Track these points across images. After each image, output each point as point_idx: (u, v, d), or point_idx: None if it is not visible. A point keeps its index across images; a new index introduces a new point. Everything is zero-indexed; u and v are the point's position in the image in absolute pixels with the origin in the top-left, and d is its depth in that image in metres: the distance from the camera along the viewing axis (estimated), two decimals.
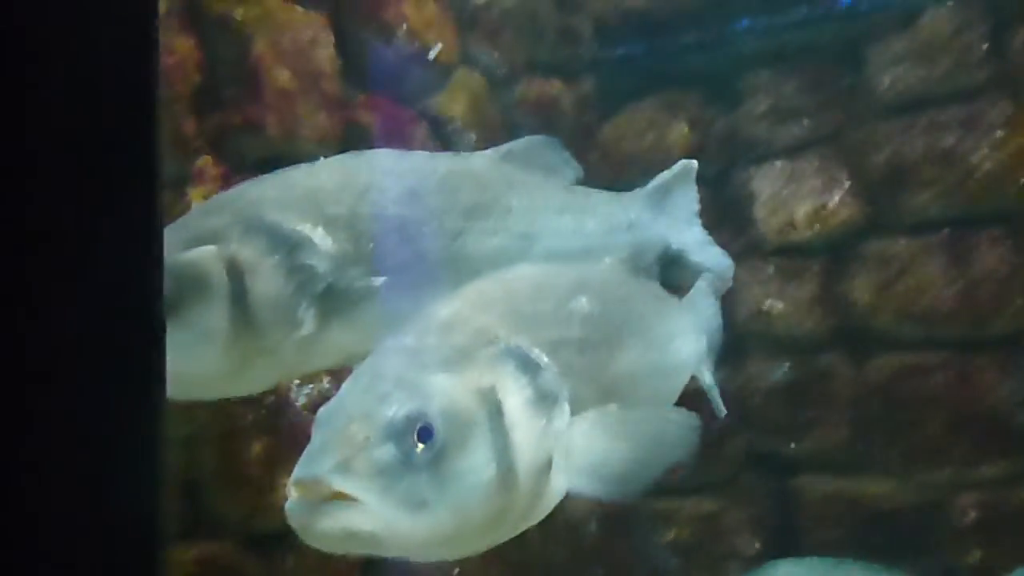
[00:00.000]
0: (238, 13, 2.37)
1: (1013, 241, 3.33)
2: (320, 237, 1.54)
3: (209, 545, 2.16)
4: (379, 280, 1.54)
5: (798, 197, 3.66)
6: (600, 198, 1.96)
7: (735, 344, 3.77)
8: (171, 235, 1.48)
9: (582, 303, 1.55)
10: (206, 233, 1.54)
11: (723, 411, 1.96)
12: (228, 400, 1.86)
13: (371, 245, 1.57)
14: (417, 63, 2.78)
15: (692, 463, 1.52)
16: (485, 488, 1.27)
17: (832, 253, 3.61)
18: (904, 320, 3.44)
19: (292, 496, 1.22)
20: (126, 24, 0.77)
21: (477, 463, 1.27)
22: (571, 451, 1.37)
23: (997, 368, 3.32)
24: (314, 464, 1.21)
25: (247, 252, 1.52)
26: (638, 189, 2.07)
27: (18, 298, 0.73)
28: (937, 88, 3.40)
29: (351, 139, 2.51)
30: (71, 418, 0.74)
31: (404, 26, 2.73)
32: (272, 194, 1.62)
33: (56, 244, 0.74)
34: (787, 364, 3.63)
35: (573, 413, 1.40)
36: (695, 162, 2.11)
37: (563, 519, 3.10)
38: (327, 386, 2.20)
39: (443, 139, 2.83)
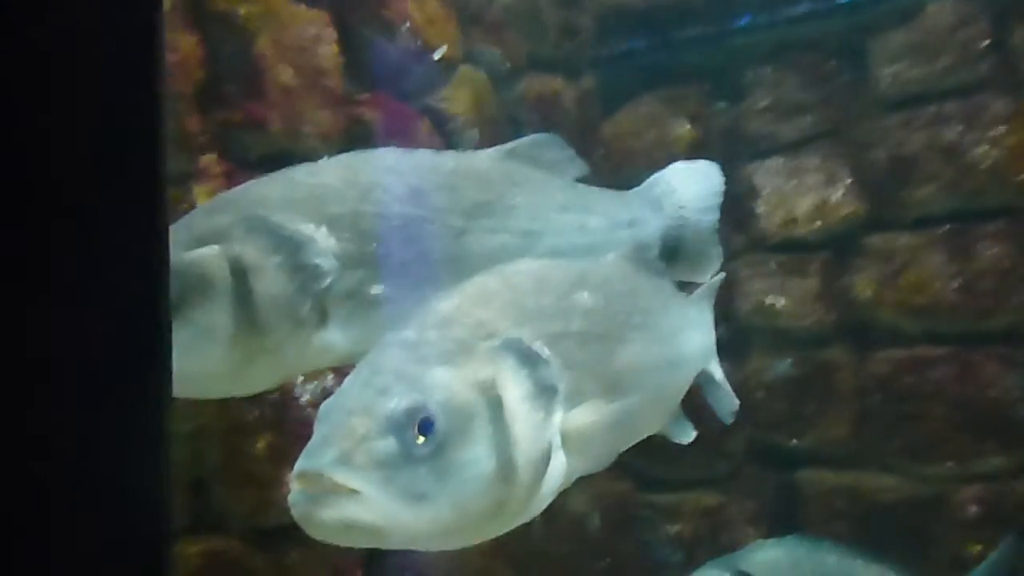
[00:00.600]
0: (241, 10, 2.38)
1: (1014, 235, 3.34)
2: (323, 236, 1.55)
3: (215, 540, 2.18)
4: (380, 288, 1.54)
5: (800, 192, 3.66)
6: (603, 196, 1.96)
7: (737, 339, 3.79)
8: (175, 234, 1.49)
9: (584, 296, 1.56)
10: (209, 233, 1.56)
11: (735, 405, 1.97)
12: (232, 397, 1.88)
13: (374, 244, 1.58)
14: (420, 60, 2.79)
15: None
16: (485, 480, 1.29)
17: (834, 248, 3.62)
18: (906, 314, 3.45)
19: (294, 489, 1.24)
20: (131, 21, 0.78)
21: (477, 455, 1.28)
22: (568, 443, 1.40)
23: (999, 362, 3.32)
24: (315, 457, 1.23)
25: (251, 251, 1.53)
26: (641, 186, 2.07)
27: (25, 297, 0.74)
28: (938, 83, 3.41)
29: (354, 136, 2.52)
30: (78, 416, 0.76)
31: (407, 23, 2.74)
32: (275, 193, 1.63)
33: (62, 243, 0.75)
34: (789, 359, 3.64)
35: (575, 406, 1.41)
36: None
37: (565, 512, 3.11)
38: (331, 383, 2.22)
39: (446, 136, 2.84)
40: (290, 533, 1.67)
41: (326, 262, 1.55)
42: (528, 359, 1.38)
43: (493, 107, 3.10)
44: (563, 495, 3.24)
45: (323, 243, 1.56)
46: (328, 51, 2.52)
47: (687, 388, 1.91)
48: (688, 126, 3.77)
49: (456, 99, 2.90)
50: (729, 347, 3.86)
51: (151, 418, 0.80)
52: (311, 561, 2.22)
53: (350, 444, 1.23)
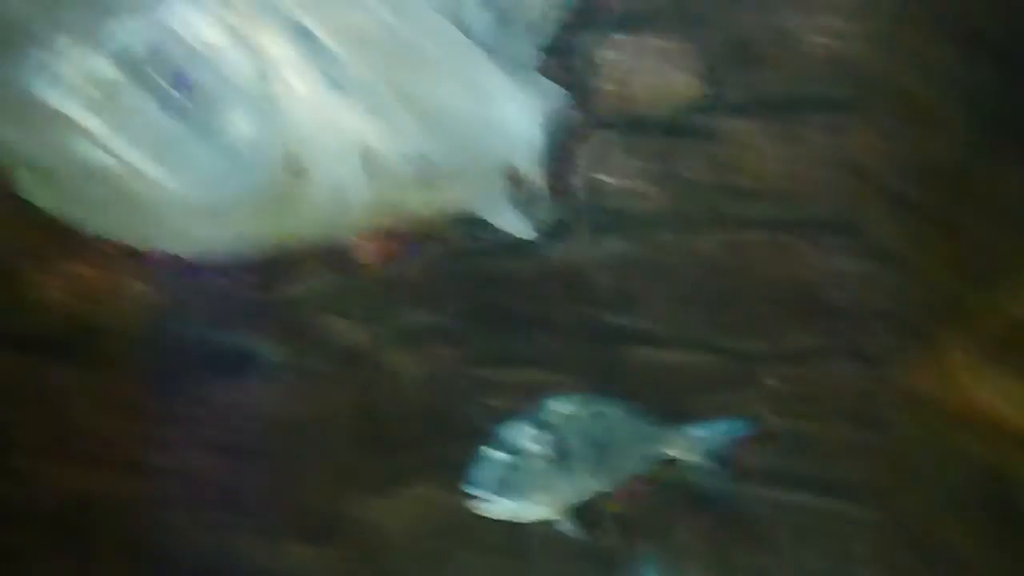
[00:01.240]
0: None
1: (841, 126, 3.42)
2: None
3: None
4: None
5: (640, 71, 3.63)
6: None
7: (569, 216, 3.79)
8: None
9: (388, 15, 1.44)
10: None
11: (543, 218, 1.96)
12: None
13: None
14: None
15: None
16: (250, 153, 1.18)
17: (670, 129, 3.63)
18: (734, 198, 3.52)
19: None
20: None
21: (244, 121, 1.18)
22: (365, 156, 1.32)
23: (812, 247, 3.45)
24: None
25: None
26: None
27: None
28: None
29: None
30: None
31: None
32: None
33: None
34: (619, 238, 3.67)
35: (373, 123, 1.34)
36: None
37: (389, 372, 3.10)
38: None
39: None
40: None
41: None
42: (317, 48, 1.27)
43: None
44: (388, 352, 3.19)
45: None
46: None
47: (504, 172, 1.86)
48: None
49: None
50: (561, 224, 3.89)
51: None
52: None
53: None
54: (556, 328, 3.77)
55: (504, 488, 2.18)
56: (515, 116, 1.90)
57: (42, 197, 1.22)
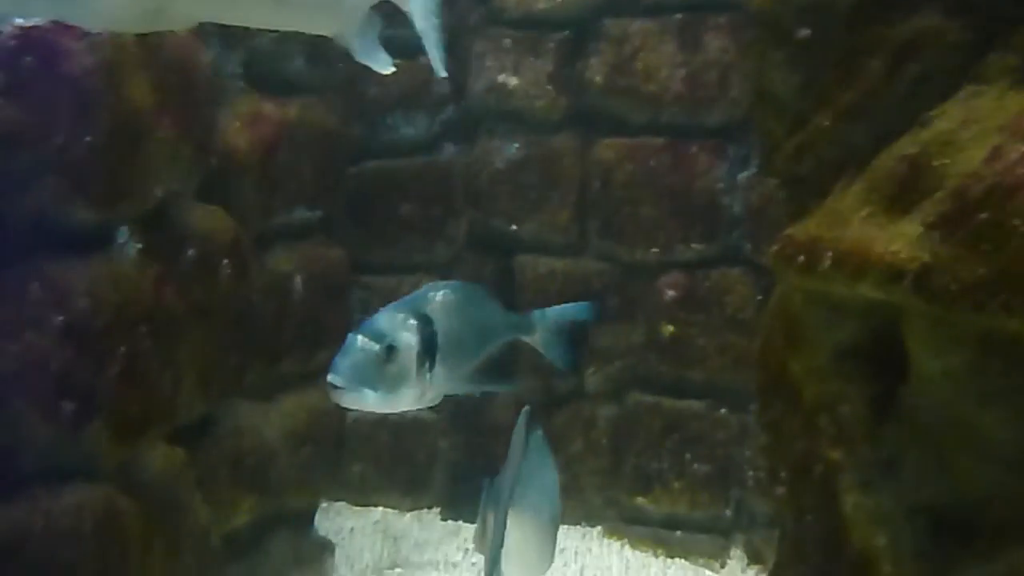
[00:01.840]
0: None
1: (740, 29, 3.34)
2: None
3: None
4: None
5: None
6: None
7: (468, 118, 3.66)
8: None
9: None
10: None
11: (442, 72, 1.90)
12: None
13: None
14: None
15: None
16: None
17: (571, 28, 3.51)
18: (632, 103, 3.44)
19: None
20: None
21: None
22: None
23: (711, 153, 3.40)
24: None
25: None
26: None
27: None
28: None
29: None
30: None
31: None
32: None
33: None
34: (516, 143, 3.55)
35: None
36: None
37: (270, 274, 2.94)
38: None
39: None
40: None
41: None
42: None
43: None
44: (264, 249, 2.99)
45: None
46: None
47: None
48: None
49: None
50: (460, 127, 3.75)
51: None
52: None
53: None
54: (446, 233, 3.65)
55: (367, 378, 2.03)
56: None
57: None
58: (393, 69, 1.79)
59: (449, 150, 3.72)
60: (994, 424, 1.17)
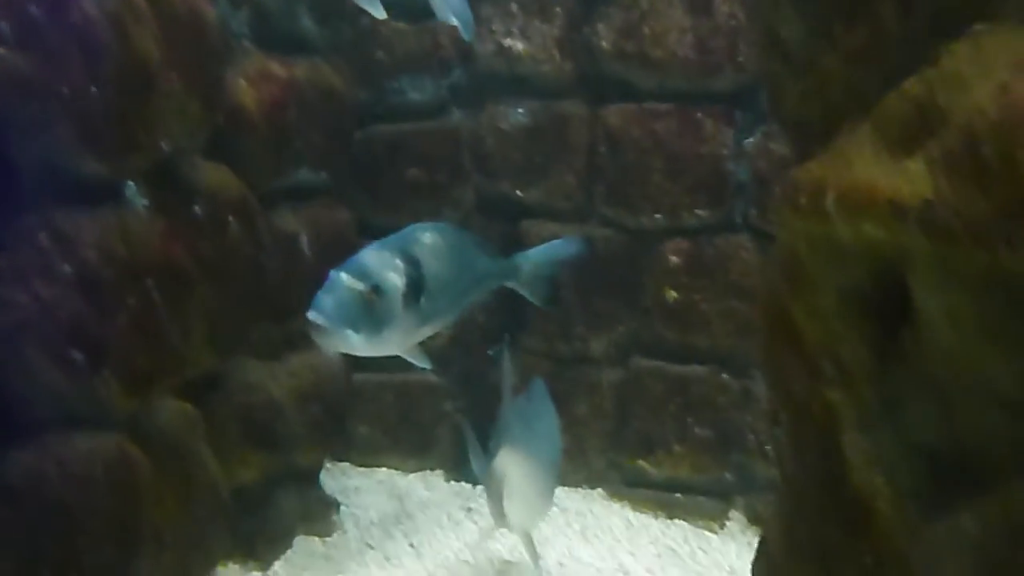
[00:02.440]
0: None
1: None
2: None
3: None
4: None
5: None
6: None
7: (475, 83, 3.65)
8: None
9: None
10: None
11: (469, 36, 1.89)
12: None
13: None
14: None
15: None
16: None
17: None
18: (640, 67, 3.43)
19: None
20: None
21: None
22: None
23: (718, 119, 3.39)
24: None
25: None
26: None
27: None
28: None
29: None
30: None
31: None
32: None
33: None
34: (523, 108, 3.55)
35: None
36: None
37: (276, 233, 2.95)
38: None
39: None
40: None
41: None
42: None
43: None
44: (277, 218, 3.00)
45: None
46: None
47: None
48: None
49: None
50: (467, 91, 3.74)
51: None
52: None
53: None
54: (452, 198, 3.65)
55: (350, 319, 1.91)
56: None
57: None
58: (385, 15, 1.76)
59: (456, 115, 3.72)
60: (996, 363, 1.18)
